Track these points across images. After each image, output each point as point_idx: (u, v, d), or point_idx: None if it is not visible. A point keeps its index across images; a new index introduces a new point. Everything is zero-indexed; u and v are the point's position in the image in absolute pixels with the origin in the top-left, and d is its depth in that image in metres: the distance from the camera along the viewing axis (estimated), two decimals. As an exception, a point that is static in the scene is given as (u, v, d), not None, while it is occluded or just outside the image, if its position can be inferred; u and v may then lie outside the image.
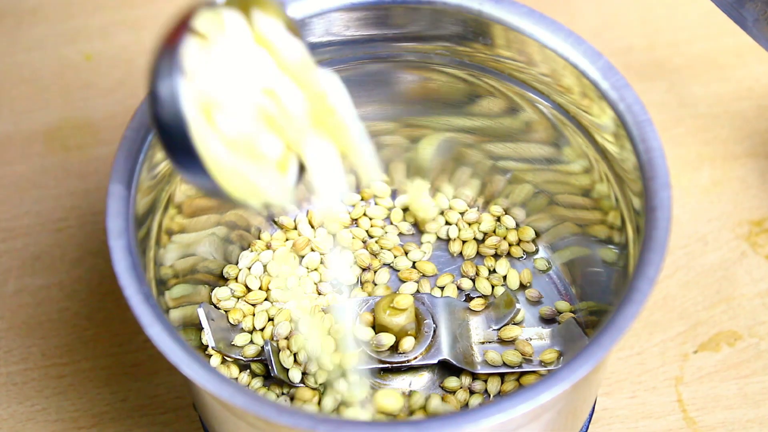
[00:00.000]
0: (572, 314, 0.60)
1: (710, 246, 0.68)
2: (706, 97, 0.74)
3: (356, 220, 0.64)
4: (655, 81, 0.74)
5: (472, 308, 0.60)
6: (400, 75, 0.60)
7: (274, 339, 0.59)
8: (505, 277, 0.62)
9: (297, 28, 0.48)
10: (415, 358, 0.58)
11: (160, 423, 0.63)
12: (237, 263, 0.62)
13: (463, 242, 0.63)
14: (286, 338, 0.59)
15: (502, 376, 0.59)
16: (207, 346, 0.59)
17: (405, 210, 0.64)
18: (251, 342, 0.60)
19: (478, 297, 0.61)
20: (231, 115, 0.46)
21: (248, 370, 0.59)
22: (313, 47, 0.57)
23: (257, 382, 0.59)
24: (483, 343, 0.59)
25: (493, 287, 0.62)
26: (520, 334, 0.59)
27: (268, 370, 0.58)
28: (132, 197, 0.51)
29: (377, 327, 0.58)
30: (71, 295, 0.67)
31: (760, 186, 0.70)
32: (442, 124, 0.62)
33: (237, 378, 0.58)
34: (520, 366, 0.58)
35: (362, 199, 0.65)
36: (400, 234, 0.64)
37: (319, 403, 0.57)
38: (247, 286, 0.61)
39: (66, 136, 0.73)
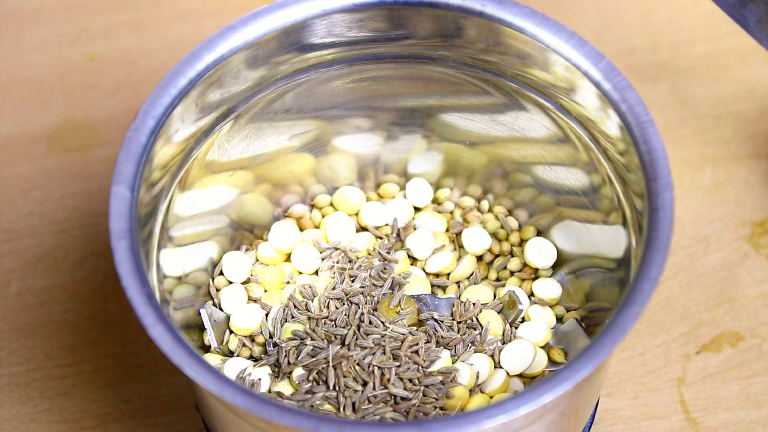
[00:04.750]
0: (575, 314, 0.60)
1: (712, 247, 0.68)
2: (708, 98, 0.74)
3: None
4: (657, 82, 0.74)
5: (475, 309, 0.60)
6: (403, 76, 0.60)
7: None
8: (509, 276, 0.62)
9: None
10: (418, 358, 0.58)
11: (163, 424, 0.63)
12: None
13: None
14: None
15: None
16: (209, 346, 0.59)
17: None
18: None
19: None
20: None
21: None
22: (316, 48, 0.57)
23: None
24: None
25: (497, 282, 0.62)
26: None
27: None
28: (134, 198, 0.51)
29: (380, 328, 0.59)
30: (74, 296, 0.67)
31: (763, 187, 0.70)
32: (445, 124, 0.62)
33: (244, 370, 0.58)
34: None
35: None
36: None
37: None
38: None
39: (68, 138, 0.73)
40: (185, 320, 0.58)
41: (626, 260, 0.55)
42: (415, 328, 0.59)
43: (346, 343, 0.57)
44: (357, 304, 0.59)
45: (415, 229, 0.63)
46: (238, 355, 0.59)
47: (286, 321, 0.59)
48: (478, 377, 0.58)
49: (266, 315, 0.60)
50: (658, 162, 0.51)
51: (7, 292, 0.68)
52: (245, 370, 0.58)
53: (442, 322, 0.59)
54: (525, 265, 0.63)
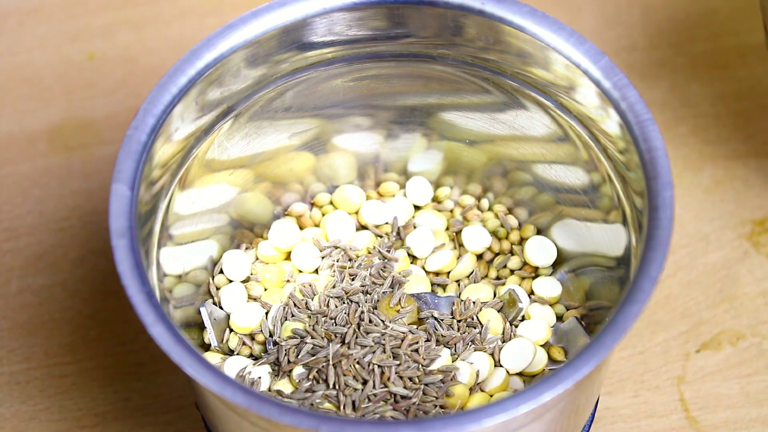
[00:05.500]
0: (575, 312, 0.60)
1: (712, 245, 0.68)
2: (708, 96, 0.74)
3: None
4: (657, 80, 0.74)
5: (475, 307, 0.60)
6: (402, 75, 0.60)
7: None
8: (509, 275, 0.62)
9: None
10: (418, 357, 0.58)
11: (162, 422, 0.63)
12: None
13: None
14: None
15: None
16: (209, 345, 0.59)
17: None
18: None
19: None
20: None
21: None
22: (316, 47, 0.57)
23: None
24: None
25: (497, 281, 0.62)
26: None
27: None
28: (134, 197, 0.51)
29: (380, 326, 0.59)
30: (74, 295, 0.67)
31: (763, 185, 0.70)
32: (445, 123, 0.62)
33: (245, 368, 0.58)
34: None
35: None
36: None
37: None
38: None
39: (68, 136, 0.73)
40: (185, 319, 0.58)
41: (626, 259, 0.55)
42: (415, 326, 0.59)
43: (346, 341, 0.58)
44: (357, 303, 0.59)
45: (415, 227, 0.63)
46: (238, 354, 0.59)
47: (286, 319, 0.59)
48: (478, 376, 0.58)
49: (266, 313, 0.60)
50: (658, 160, 0.51)
51: (7, 290, 0.68)
52: (245, 368, 0.58)
53: (442, 320, 0.59)
54: (525, 263, 0.63)
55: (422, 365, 0.57)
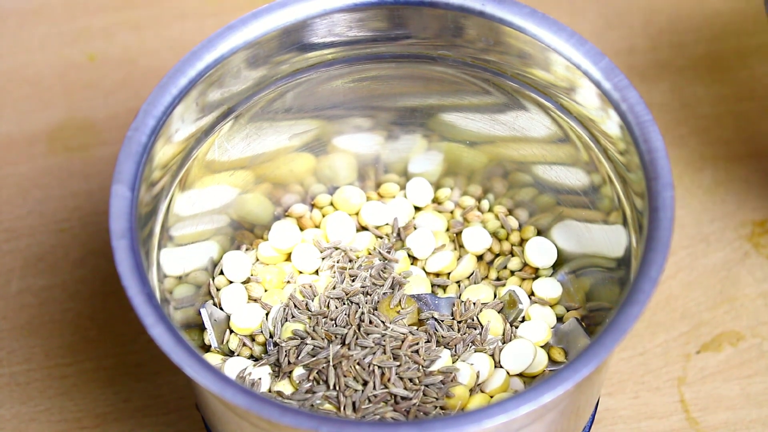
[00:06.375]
0: (576, 313, 0.60)
1: (713, 246, 0.68)
2: (708, 97, 0.74)
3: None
4: (657, 82, 0.74)
5: (475, 309, 0.60)
6: (403, 76, 0.60)
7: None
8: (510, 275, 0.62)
9: None
10: (418, 358, 0.58)
11: (163, 423, 0.63)
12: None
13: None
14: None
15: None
16: (210, 346, 0.59)
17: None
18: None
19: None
20: None
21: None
22: (316, 48, 0.57)
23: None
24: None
25: (497, 282, 0.62)
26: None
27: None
28: (135, 198, 0.51)
29: (380, 327, 0.59)
30: (74, 296, 0.67)
31: (763, 186, 0.70)
32: (446, 124, 0.62)
33: (245, 369, 0.58)
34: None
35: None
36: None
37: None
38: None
39: (68, 137, 0.73)
40: (185, 320, 0.58)
41: (626, 260, 0.55)
42: (415, 327, 0.59)
43: (347, 342, 0.58)
44: (357, 304, 0.59)
45: (415, 228, 0.63)
46: (238, 355, 0.60)
47: (286, 320, 0.59)
48: (478, 377, 0.58)
49: (266, 314, 0.60)
50: (658, 161, 0.51)
51: (7, 291, 0.68)
52: (245, 369, 0.58)
53: (442, 321, 0.59)
54: (525, 264, 0.63)
55: (422, 366, 0.57)
